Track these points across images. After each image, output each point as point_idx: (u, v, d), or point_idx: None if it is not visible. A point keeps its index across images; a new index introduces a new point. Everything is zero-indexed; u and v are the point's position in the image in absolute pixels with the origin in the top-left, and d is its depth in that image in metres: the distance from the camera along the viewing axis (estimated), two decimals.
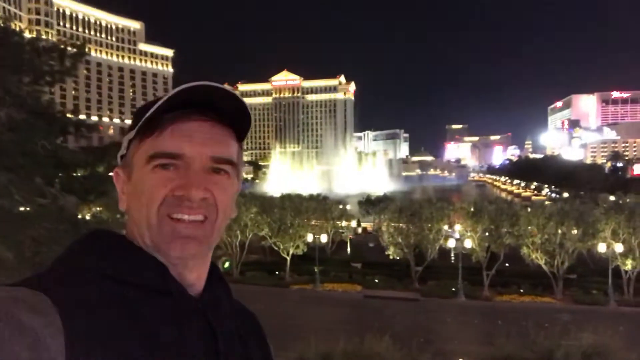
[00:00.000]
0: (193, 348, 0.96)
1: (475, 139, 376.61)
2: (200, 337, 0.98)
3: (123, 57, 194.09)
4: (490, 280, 38.25)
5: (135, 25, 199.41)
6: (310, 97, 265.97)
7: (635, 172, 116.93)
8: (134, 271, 0.97)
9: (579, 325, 16.51)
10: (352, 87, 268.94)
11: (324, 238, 44.66)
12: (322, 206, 48.43)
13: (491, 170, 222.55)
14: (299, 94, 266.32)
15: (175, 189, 0.98)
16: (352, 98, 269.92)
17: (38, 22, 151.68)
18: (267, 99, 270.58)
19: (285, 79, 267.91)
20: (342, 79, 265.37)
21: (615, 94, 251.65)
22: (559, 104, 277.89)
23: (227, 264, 45.30)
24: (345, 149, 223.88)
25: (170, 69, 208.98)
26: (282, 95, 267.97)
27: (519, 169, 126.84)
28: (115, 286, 0.93)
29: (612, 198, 61.43)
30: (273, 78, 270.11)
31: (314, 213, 45.70)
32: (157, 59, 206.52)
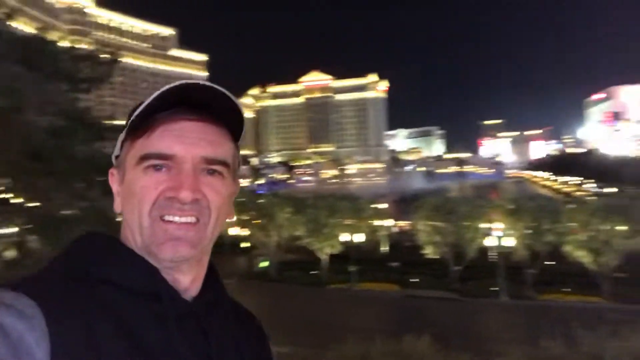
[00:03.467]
0: (183, 353, 0.93)
1: (513, 134, 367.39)
2: (192, 342, 0.96)
3: (157, 62, 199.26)
4: (532, 279, 37.16)
5: (168, 31, 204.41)
6: (341, 97, 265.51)
7: None
8: (124, 274, 0.95)
9: (629, 326, 15.71)
10: (384, 84, 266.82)
11: (359, 237, 44.45)
12: (355, 205, 48.24)
13: (530, 165, 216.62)
14: (330, 94, 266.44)
15: (166, 190, 0.96)
16: (384, 95, 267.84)
17: (74, 32, 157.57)
18: (299, 100, 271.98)
19: (315, 79, 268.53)
20: (374, 77, 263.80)
21: None
22: (598, 96, 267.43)
23: (266, 263, 45.75)
24: (377, 148, 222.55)
25: (205, 73, 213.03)
26: (313, 95, 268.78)
27: (559, 164, 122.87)
28: (105, 290, 0.91)
29: None
30: (303, 78, 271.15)
31: (348, 212, 45.58)
32: (192, 63, 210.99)
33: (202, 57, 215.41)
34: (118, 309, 0.90)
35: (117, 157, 1.07)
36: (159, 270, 0.98)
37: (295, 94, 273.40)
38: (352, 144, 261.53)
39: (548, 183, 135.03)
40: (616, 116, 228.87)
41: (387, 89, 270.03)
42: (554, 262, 38.37)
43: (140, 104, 0.97)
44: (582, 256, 36.15)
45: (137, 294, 0.94)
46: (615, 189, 75.71)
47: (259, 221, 46.27)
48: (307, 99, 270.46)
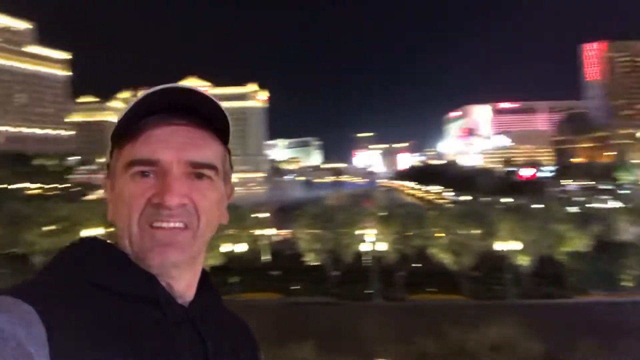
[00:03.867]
0: (182, 357, 0.93)
1: (383, 146, 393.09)
2: (189, 347, 0.96)
3: (9, 59, 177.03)
4: (403, 281, 39.98)
5: (24, 25, 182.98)
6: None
7: (522, 177, 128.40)
8: (122, 281, 0.94)
9: (484, 319, 17.83)
10: (264, 94, 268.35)
11: (240, 247, 43.96)
12: (236, 215, 47.69)
13: (397, 175, 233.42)
14: None
15: (153, 197, 0.96)
16: (265, 105, 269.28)
17: None
18: None
19: (192, 85, 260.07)
20: (254, 86, 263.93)
21: (505, 104, 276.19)
22: (455, 113, 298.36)
23: None
24: (257, 157, 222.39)
25: (67, 73, 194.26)
26: None
27: (422, 174, 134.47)
28: (103, 296, 0.90)
29: (504, 200, 67.10)
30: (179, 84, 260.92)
31: (229, 222, 44.75)
32: (50, 61, 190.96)
33: (63, 55, 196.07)
34: (116, 315, 0.89)
35: (107, 165, 1.06)
36: (156, 277, 0.97)
37: None
38: (232, 153, 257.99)
39: (413, 192, 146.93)
40: (470, 132, 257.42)
41: (268, 98, 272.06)
42: (420, 264, 41.77)
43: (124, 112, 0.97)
44: (445, 258, 39.97)
45: (135, 299, 0.93)
46: (470, 197, 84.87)
47: None
48: None
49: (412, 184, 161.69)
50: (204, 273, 1.09)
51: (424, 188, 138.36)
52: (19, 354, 0.74)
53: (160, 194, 0.95)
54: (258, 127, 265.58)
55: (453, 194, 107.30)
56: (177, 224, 0.96)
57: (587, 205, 60.01)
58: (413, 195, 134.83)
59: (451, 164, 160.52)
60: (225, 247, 42.15)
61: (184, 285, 1.02)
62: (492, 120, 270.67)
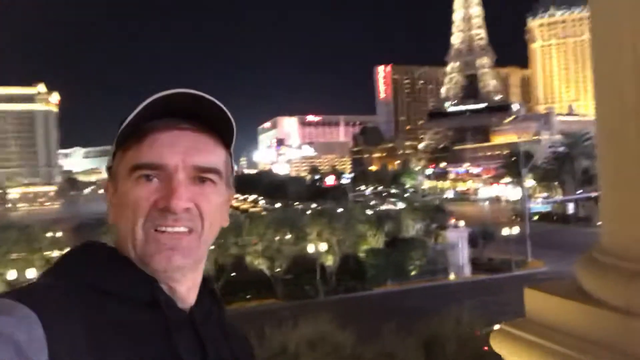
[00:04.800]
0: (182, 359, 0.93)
1: None
2: (190, 350, 0.96)
3: None
4: (221, 292, 39.68)
5: None
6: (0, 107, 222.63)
7: (327, 184, 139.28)
8: (123, 284, 0.95)
9: (300, 319, 18.90)
10: (55, 96, 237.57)
11: (31, 273, 38.03)
12: (25, 236, 41.20)
13: None
14: None
15: (158, 201, 0.96)
16: (56, 109, 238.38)
17: None
18: None
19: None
20: (42, 86, 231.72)
21: (310, 117, 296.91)
22: (267, 124, 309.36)
23: None
24: (48, 168, 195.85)
25: None
26: None
27: (238, 184, 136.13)
28: (104, 299, 0.91)
29: (313, 205, 72.14)
30: None
31: (16, 244, 38.54)
32: None
33: None
34: (117, 317, 0.89)
35: (109, 168, 1.07)
36: (156, 280, 0.97)
37: None
38: (15, 164, 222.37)
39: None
40: (280, 142, 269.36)
41: (59, 101, 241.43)
42: (233, 274, 42.08)
43: (128, 115, 0.97)
44: (260, 264, 41.07)
45: (136, 303, 0.94)
46: (282, 204, 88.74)
47: None
48: None
49: None
50: (204, 279, 1.09)
51: (240, 197, 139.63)
52: (19, 356, 0.74)
53: (165, 198, 0.95)
54: (49, 134, 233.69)
55: (267, 201, 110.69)
56: (181, 228, 0.97)
57: (380, 207, 68.22)
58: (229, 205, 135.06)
59: (265, 173, 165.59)
60: (11, 274, 36.04)
61: (185, 289, 1.02)
62: (299, 131, 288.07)
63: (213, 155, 1.02)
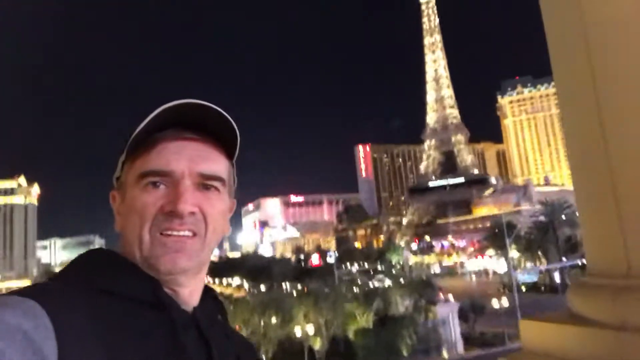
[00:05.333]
0: (187, 358, 0.95)
1: None
2: (195, 349, 0.98)
3: None
4: None
5: None
6: None
7: (313, 263, 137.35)
8: (127, 285, 0.97)
9: None
10: (36, 189, 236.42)
11: None
12: None
13: None
14: None
15: (165, 205, 1.00)
16: (34, 202, 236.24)
17: None
18: None
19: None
20: (22, 179, 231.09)
21: (294, 198, 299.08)
22: (250, 206, 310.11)
23: None
24: (25, 260, 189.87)
25: None
26: None
27: (222, 269, 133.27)
28: (108, 299, 0.93)
29: (299, 286, 70.51)
30: None
31: None
32: None
33: None
34: (122, 315, 0.92)
35: (117, 178, 1.10)
36: (159, 282, 1.00)
37: None
38: None
39: (213, 287, 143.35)
40: (264, 224, 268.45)
41: (39, 195, 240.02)
42: None
43: (137, 126, 1.01)
44: None
45: (140, 303, 0.96)
46: (265, 286, 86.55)
47: None
48: None
49: (210, 280, 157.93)
50: (206, 286, 1.12)
51: (224, 282, 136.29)
52: (27, 344, 0.76)
53: (172, 202, 0.99)
54: (27, 227, 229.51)
55: (252, 284, 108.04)
56: (187, 232, 1.01)
57: (368, 285, 66.98)
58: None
59: (249, 255, 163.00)
60: None
61: (188, 292, 1.05)
62: (282, 212, 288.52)
63: (217, 164, 1.07)
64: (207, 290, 1.12)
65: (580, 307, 1.88)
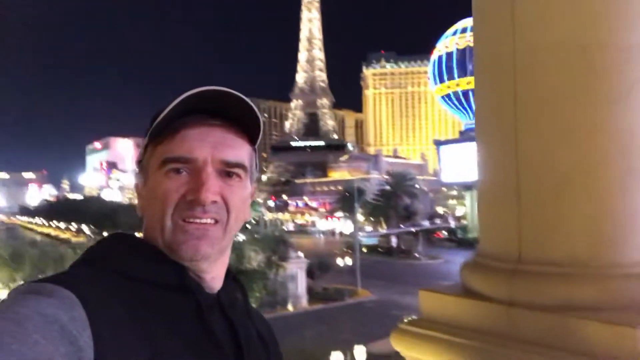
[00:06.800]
0: (217, 340, 0.98)
1: (5, 176, 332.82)
2: (221, 331, 1.01)
3: None
4: None
5: None
6: None
7: None
8: (151, 270, 0.98)
9: None
10: None
11: None
12: None
13: (25, 211, 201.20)
14: None
15: (187, 193, 1.00)
16: None
17: None
18: None
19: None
20: None
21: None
22: (97, 144, 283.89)
23: None
24: None
25: None
26: None
27: (58, 210, 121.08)
28: (134, 284, 0.94)
29: None
30: None
31: None
32: None
33: None
34: (150, 300, 0.93)
35: (139, 161, 1.11)
36: (185, 267, 1.01)
37: None
38: None
39: (46, 230, 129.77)
40: (112, 165, 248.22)
41: None
42: None
43: (161, 110, 1.01)
44: None
45: (165, 287, 0.97)
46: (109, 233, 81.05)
47: None
48: None
49: (44, 221, 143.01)
50: (228, 268, 1.14)
51: (62, 225, 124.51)
52: (63, 336, 0.76)
53: (194, 190, 0.99)
54: None
55: (94, 230, 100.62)
56: (209, 220, 1.01)
57: None
58: (47, 234, 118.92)
59: (93, 199, 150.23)
60: None
61: (210, 277, 1.06)
62: (135, 155, 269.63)
63: (240, 150, 1.07)
64: (229, 272, 1.15)
65: (476, 284, 2.20)
